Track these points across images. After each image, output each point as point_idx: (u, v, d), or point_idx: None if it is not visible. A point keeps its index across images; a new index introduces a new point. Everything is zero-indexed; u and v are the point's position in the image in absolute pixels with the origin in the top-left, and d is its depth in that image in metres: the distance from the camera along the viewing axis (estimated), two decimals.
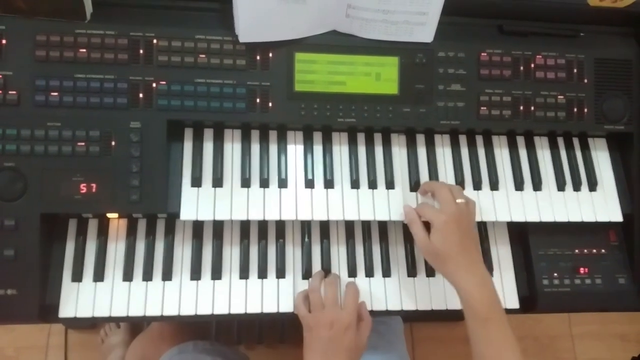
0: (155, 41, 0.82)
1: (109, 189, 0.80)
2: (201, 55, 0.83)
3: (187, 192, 0.84)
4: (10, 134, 0.79)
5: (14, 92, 0.79)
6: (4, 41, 0.79)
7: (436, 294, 0.91)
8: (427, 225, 0.83)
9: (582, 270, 0.93)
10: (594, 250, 0.95)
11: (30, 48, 0.80)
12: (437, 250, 0.81)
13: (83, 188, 0.80)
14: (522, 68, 0.91)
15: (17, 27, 0.79)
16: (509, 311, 0.92)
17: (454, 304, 0.90)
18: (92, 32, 0.81)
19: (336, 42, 0.87)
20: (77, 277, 0.84)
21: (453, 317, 1.15)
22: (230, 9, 0.82)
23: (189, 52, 0.83)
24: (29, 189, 0.79)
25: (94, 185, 0.80)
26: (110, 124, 0.81)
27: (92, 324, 1.55)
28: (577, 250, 0.95)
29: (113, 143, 0.81)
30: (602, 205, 0.94)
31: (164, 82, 0.82)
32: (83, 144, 0.80)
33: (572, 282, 0.93)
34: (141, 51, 0.82)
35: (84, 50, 0.81)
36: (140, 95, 0.82)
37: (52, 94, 0.80)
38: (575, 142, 0.98)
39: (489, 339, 0.77)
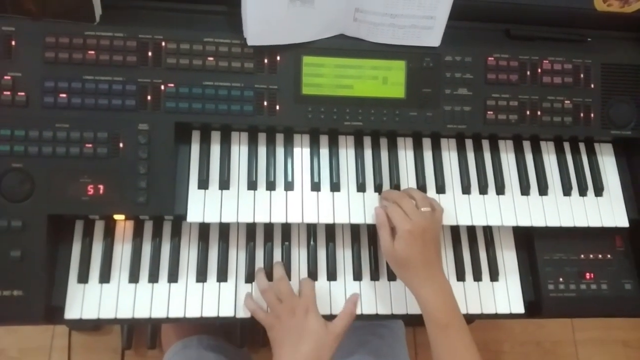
0: (163, 44, 0.83)
1: (116, 190, 0.80)
2: (209, 58, 0.83)
3: (194, 194, 0.85)
4: (19, 135, 0.79)
5: (23, 94, 0.79)
6: (13, 42, 0.79)
7: None
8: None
9: (587, 275, 0.93)
10: (600, 256, 0.95)
11: (40, 50, 0.80)
12: (399, 258, 0.81)
13: (90, 189, 0.80)
14: (529, 73, 0.91)
15: (27, 29, 0.80)
16: (514, 316, 0.92)
17: (462, 308, 0.89)
18: (101, 34, 0.81)
19: (344, 46, 0.87)
20: (83, 278, 0.84)
21: None
22: (238, 12, 0.83)
23: (198, 54, 0.83)
24: (36, 190, 0.79)
25: (101, 186, 0.80)
26: (118, 126, 0.81)
27: (96, 326, 1.55)
28: (582, 256, 0.95)
29: (121, 145, 0.81)
30: (608, 210, 0.94)
31: (172, 85, 0.83)
32: (91, 145, 0.80)
33: (577, 288, 0.93)
34: (150, 53, 0.82)
35: (93, 52, 0.81)
36: (149, 97, 0.82)
37: (61, 95, 0.80)
38: (582, 147, 0.98)
39: (448, 346, 0.77)
